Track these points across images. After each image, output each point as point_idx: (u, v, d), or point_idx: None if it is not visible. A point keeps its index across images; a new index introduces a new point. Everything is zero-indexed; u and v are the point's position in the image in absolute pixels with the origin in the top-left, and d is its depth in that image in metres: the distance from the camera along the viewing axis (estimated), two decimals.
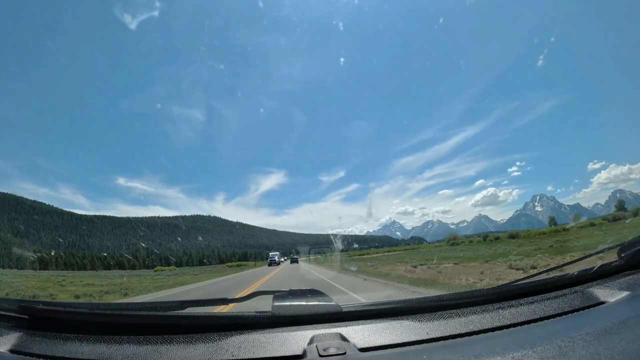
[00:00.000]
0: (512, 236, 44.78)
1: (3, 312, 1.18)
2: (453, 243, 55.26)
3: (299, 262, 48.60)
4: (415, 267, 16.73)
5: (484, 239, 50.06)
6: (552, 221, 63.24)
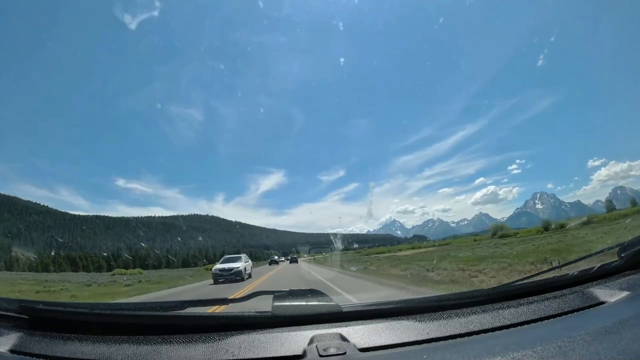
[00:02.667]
0: (585, 223, 36.00)
1: (3, 312, 1.18)
2: (503, 235, 44.12)
3: (301, 262, 43.29)
4: None
5: (546, 229, 39.09)
6: (610, 206, 53.69)
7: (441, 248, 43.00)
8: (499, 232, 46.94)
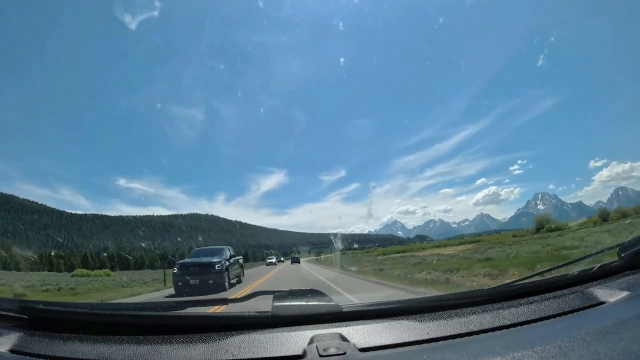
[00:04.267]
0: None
1: (3, 312, 1.18)
2: (550, 229, 35.12)
3: (305, 264, 34.56)
4: None
5: (604, 219, 32.02)
6: None
7: (479, 246, 33.20)
8: (546, 226, 38.03)
